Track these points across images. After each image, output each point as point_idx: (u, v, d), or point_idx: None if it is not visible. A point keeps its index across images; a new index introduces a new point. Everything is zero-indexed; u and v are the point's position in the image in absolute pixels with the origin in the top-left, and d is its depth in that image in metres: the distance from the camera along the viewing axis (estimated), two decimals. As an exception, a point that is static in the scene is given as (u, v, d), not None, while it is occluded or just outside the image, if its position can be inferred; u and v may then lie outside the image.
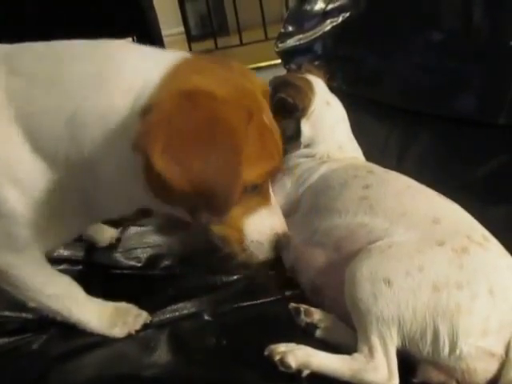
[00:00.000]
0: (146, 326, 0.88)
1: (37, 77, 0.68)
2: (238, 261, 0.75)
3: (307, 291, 0.91)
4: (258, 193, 0.74)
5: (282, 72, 1.86)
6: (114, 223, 1.18)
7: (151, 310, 0.91)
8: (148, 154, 0.58)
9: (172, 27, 3.99)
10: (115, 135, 0.66)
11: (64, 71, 0.68)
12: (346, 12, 1.57)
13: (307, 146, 1.09)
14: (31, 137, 0.67)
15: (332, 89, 1.16)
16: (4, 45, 0.74)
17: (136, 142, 0.60)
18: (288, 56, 1.94)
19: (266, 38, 3.35)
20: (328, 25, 1.67)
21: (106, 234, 1.16)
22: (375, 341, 0.69)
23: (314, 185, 1.02)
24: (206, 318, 0.89)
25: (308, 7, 1.85)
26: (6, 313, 0.95)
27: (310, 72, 1.17)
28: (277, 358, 0.71)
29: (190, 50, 3.41)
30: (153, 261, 1.08)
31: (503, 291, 0.69)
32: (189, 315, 0.91)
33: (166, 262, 1.07)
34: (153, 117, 0.60)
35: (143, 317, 0.89)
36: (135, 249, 1.12)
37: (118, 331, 0.86)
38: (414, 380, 0.71)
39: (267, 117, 0.73)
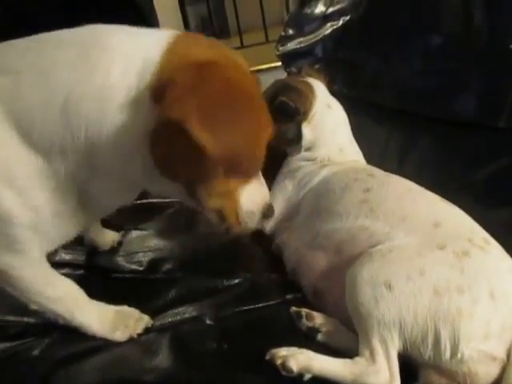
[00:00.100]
0: (147, 330, 0.88)
1: (21, 73, 0.67)
2: (233, 234, 0.78)
3: (308, 295, 0.91)
4: None
5: (283, 74, 1.86)
6: (115, 227, 1.19)
7: (153, 314, 0.91)
8: (184, 124, 0.59)
9: (173, 29, 3.99)
10: (116, 115, 0.66)
11: (48, 61, 0.68)
12: (347, 15, 1.58)
13: (308, 149, 1.09)
14: (24, 133, 0.67)
15: (332, 92, 1.16)
16: None
17: (167, 115, 0.61)
18: (288, 59, 1.94)
19: (267, 41, 3.35)
20: (328, 28, 1.67)
21: (108, 238, 1.15)
22: (376, 345, 0.69)
23: (314, 188, 1.02)
24: (208, 321, 0.89)
25: (308, 10, 1.85)
26: (8, 317, 0.94)
27: (310, 75, 1.18)
28: (278, 362, 0.71)
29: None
30: (154, 264, 1.08)
31: (504, 295, 0.69)
32: (190, 319, 0.91)
33: (168, 266, 1.06)
34: (177, 89, 0.62)
35: (145, 320, 0.89)
36: (136, 253, 1.12)
37: (120, 335, 0.86)
38: (416, 384, 0.71)
39: None
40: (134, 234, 1.20)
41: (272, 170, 1.00)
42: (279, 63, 2.11)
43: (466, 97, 1.13)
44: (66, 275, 0.87)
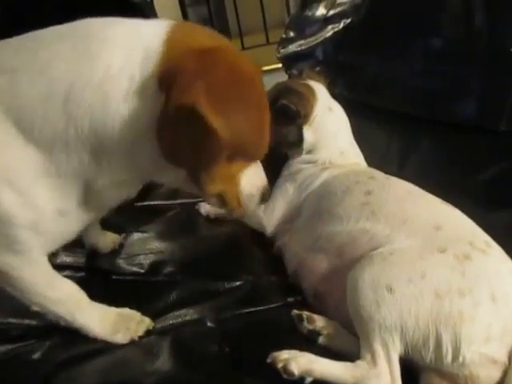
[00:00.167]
0: (148, 333, 0.88)
1: (17, 70, 0.67)
2: (234, 217, 0.81)
3: (310, 297, 0.91)
4: None
5: (284, 77, 1.87)
6: (116, 229, 1.19)
7: (154, 316, 0.91)
8: (199, 108, 0.60)
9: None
10: (120, 104, 0.66)
11: (45, 56, 0.67)
12: (348, 18, 1.58)
13: (309, 152, 1.09)
14: (25, 132, 0.66)
15: (333, 95, 1.16)
16: None
17: (180, 100, 0.61)
18: (289, 61, 1.95)
19: (268, 43, 3.35)
20: (329, 31, 1.68)
21: (109, 240, 1.15)
22: (378, 348, 0.69)
23: (315, 191, 1.02)
24: (209, 324, 0.89)
25: (309, 13, 1.86)
26: (9, 319, 0.94)
27: (311, 78, 1.18)
28: (279, 365, 0.71)
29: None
30: (155, 267, 1.08)
31: (505, 297, 0.69)
32: (191, 321, 0.91)
33: (169, 269, 1.06)
34: (188, 75, 0.63)
35: (146, 323, 0.89)
36: (138, 255, 1.12)
37: (121, 337, 0.86)
38: (417, 387, 0.71)
39: None
40: (136, 236, 1.20)
41: (273, 172, 1.00)
42: (280, 65, 2.12)
43: (467, 99, 1.14)
44: (67, 277, 0.87)
